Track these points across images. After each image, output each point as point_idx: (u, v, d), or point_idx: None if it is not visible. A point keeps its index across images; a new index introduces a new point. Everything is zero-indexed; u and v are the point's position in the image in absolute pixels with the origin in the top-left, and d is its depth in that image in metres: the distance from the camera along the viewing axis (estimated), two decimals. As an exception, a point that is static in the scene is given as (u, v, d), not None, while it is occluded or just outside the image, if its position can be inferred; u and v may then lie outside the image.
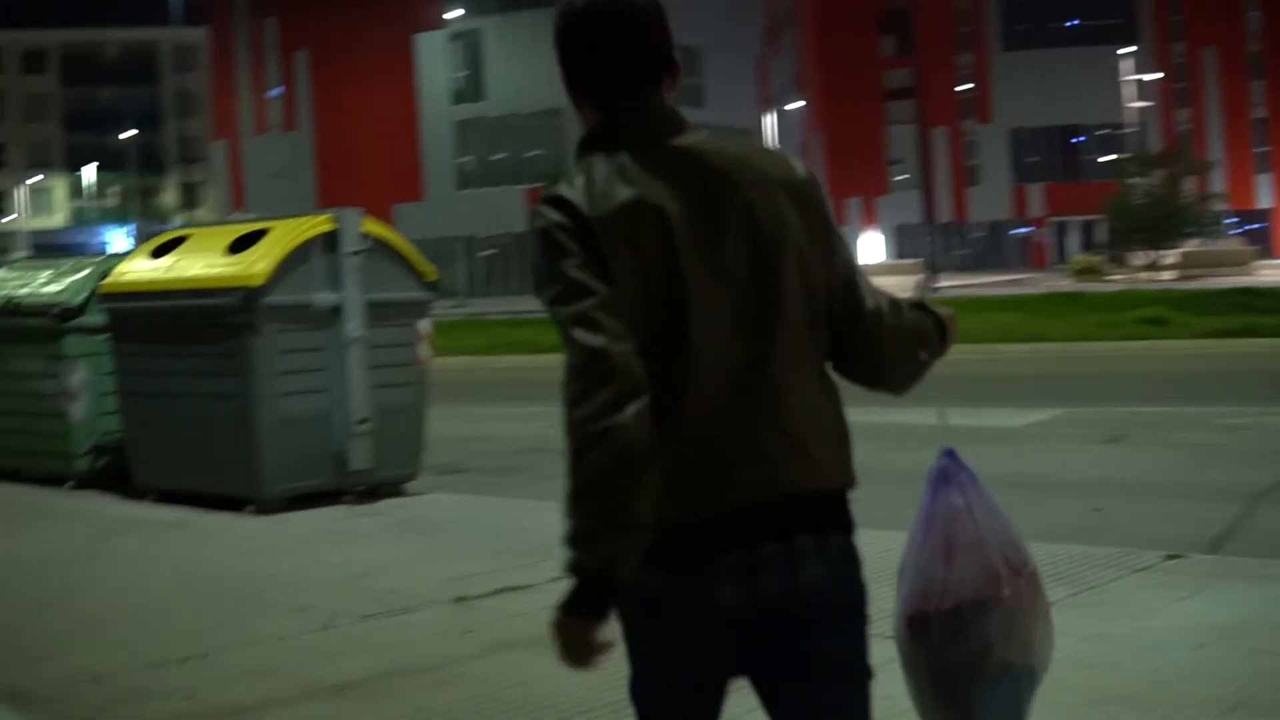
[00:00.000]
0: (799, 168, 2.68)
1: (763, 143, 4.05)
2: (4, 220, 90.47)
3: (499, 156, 68.23)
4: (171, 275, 10.45)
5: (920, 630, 2.88)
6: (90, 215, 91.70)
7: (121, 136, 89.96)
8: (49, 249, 69.92)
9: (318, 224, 10.34)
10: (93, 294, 11.06)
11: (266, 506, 9.94)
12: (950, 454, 2.92)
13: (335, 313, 10.25)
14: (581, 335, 2.40)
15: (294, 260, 10.09)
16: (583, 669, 2.45)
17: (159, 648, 6.45)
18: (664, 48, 2.67)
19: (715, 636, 2.54)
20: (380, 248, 10.63)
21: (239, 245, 10.32)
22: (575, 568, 2.41)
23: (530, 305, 49.01)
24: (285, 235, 10.24)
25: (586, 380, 2.38)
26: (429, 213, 67.30)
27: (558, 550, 2.48)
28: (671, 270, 2.49)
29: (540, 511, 9.69)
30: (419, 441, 10.86)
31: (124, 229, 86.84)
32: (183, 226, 11.86)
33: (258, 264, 9.93)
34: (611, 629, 2.44)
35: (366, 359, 10.37)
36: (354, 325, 10.30)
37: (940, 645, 2.86)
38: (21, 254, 63.08)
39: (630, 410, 2.36)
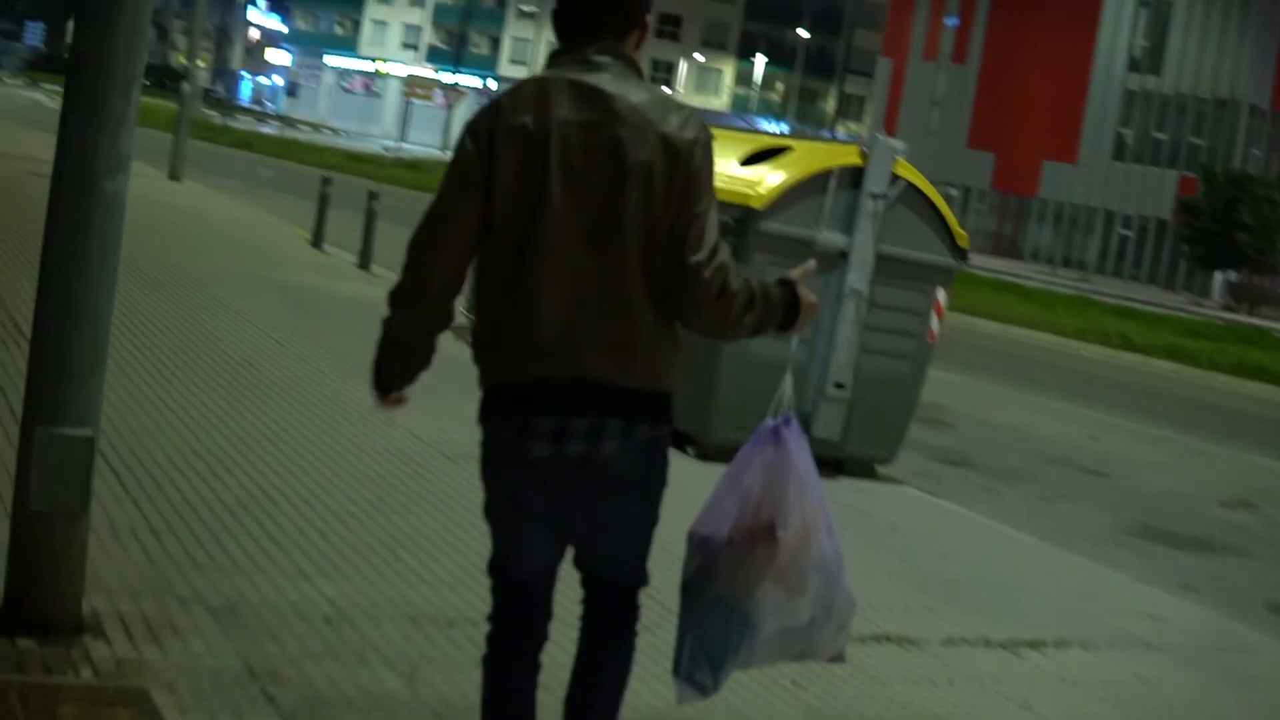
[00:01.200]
0: (689, 128, 3.32)
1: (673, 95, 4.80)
2: (666, 92, 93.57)
3: (1161, 135, 64.15)
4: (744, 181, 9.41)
5: (688, 545, 3.52)
6: (751, 105, 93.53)
7: (799, 33, 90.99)
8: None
9: (844, 154, 9.01)
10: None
11: (710, 451, 8.83)
12: (789, 420, 3.50)
13: (840, 258, 8.94)
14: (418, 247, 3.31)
15: (806, 189, 8.83)
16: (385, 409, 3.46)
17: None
18: (635, 10, 3.40)
19: (528, 480, 3.29)
20: (910, 196, 9.19)
21: (756, 159, 9.15)
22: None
23: (1151, 297, 46.23)
24: (804, 159, 8.97)
25: (401, 285, 3.33)
26: (1076, 177, 64.38)
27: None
28: (541, 180, 3.20)
29: (1008, 547, 8.17)
30: (902, 422, 9.45)
31: (780, 125, 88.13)
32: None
33: (762, 185, 8.73)
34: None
35: (863, 318, 9.02)
36: (857, 276, 8.96)
37: (686, 561, 3.51)
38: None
39: (407, 313, 3.33)
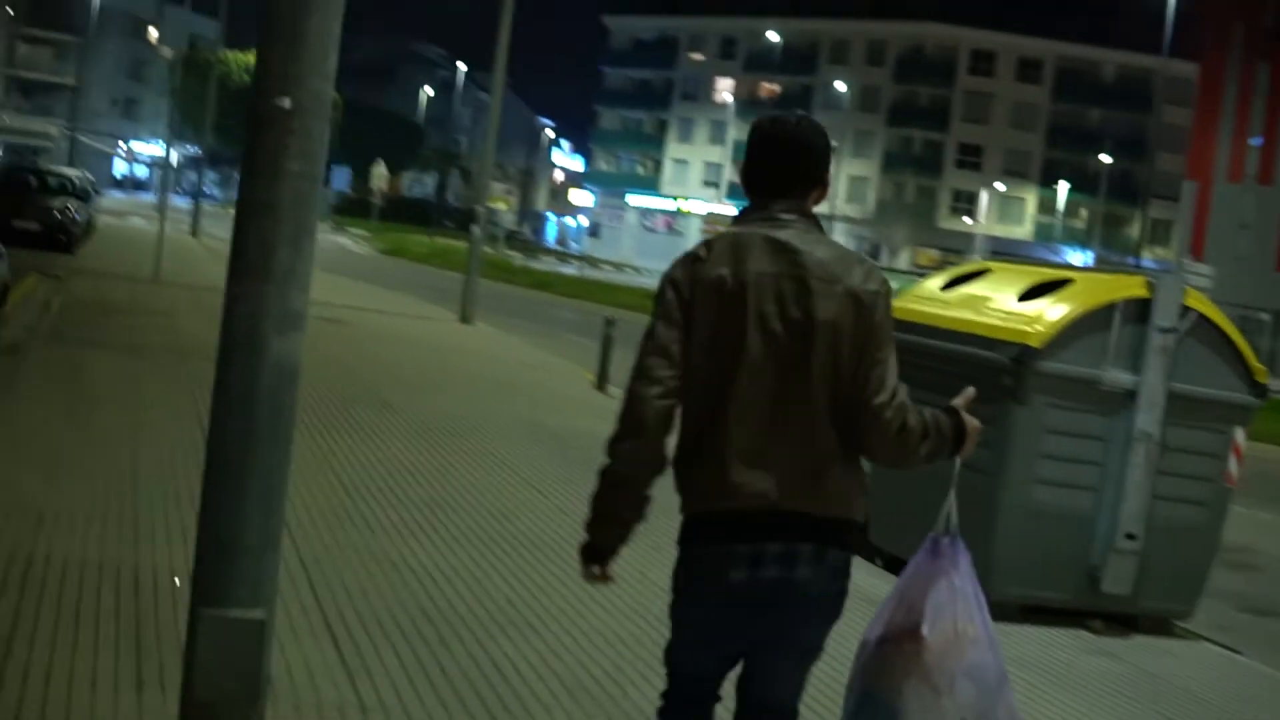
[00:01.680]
0: (871, 280, 3.58)
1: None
2: (968, 222, 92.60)
3: None
4: (951, 312, 9.00)
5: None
6: (1054, 232, 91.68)
7: (1101, 159, 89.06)
8: (1005, 258, 70.30)
9: (1129, 285, 8.47)
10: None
11: (990, 611, 8.30)
12: (953, 538, 3.84)
13: (1127, 398, 8.37)
14: (633, 382, 3.56)
15: (1089, 324, 8.31)
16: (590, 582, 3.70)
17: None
18: (817, 172, 3.68)
19: (723, 600, 3.54)
20: (1203, 328, 8.57)
21: (1034, 293, 8.69)
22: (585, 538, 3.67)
23: None
24: (1085, 292, 8.47)
25: (622, 421, 3.55)
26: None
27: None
28: (739, 328, 3.50)
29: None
30: (1200, 573, 8.75)
31: (1084, 252, 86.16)
32: (990, 259, 10.15)
33: (1042, 320, 8.26)
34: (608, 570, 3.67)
35: (1155, 462, 8.41)
36: (1147, 418, 8.36)
37: (856, 656, 3.84)
38: (977, 257, 64.16)
39: (628, 445, 3.53)
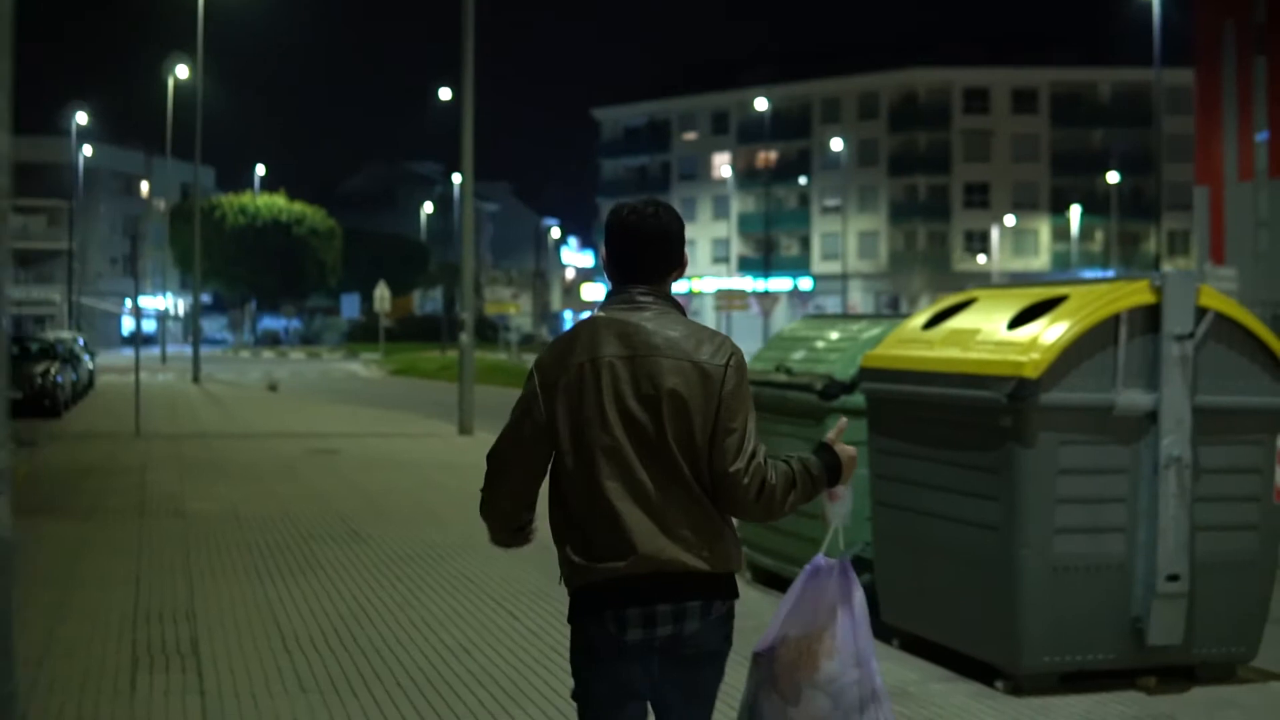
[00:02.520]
0: (719, 354, 3.77)
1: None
2: (982, 261, 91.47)
3: None
4: (935, 352, 7.92)
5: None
6: (1071, 259, 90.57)
7: (1109, 179, 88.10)
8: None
9: (1131, 293, 7.37)
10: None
11: (1024, 684, 7.19)
12: (837, 561, 4.02)
13: (1147, 420, 7.27)
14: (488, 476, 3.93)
15: (1091, 343, 7.22)
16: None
17: None
18: (675, 256, 3.89)
19: (624, 664, 3.72)
20: (1223, 328, 7.48)
21: (1025, 317, 7.61)
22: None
23: None
24: (1084, 306, 7.37)
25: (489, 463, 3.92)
26: None
27: None
28: (600, 408, 3.71)
29: None
30: (1260, 607, 7.60)
31: (1105, 274, 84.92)
32: (976, 288, 9.05)
33: (1036, 347, 7.17)
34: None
35: (1189, 489, 7.29)
36: (1173, 440, 7.25)
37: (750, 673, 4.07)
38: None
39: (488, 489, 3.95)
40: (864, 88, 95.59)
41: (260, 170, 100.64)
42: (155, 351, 59.88)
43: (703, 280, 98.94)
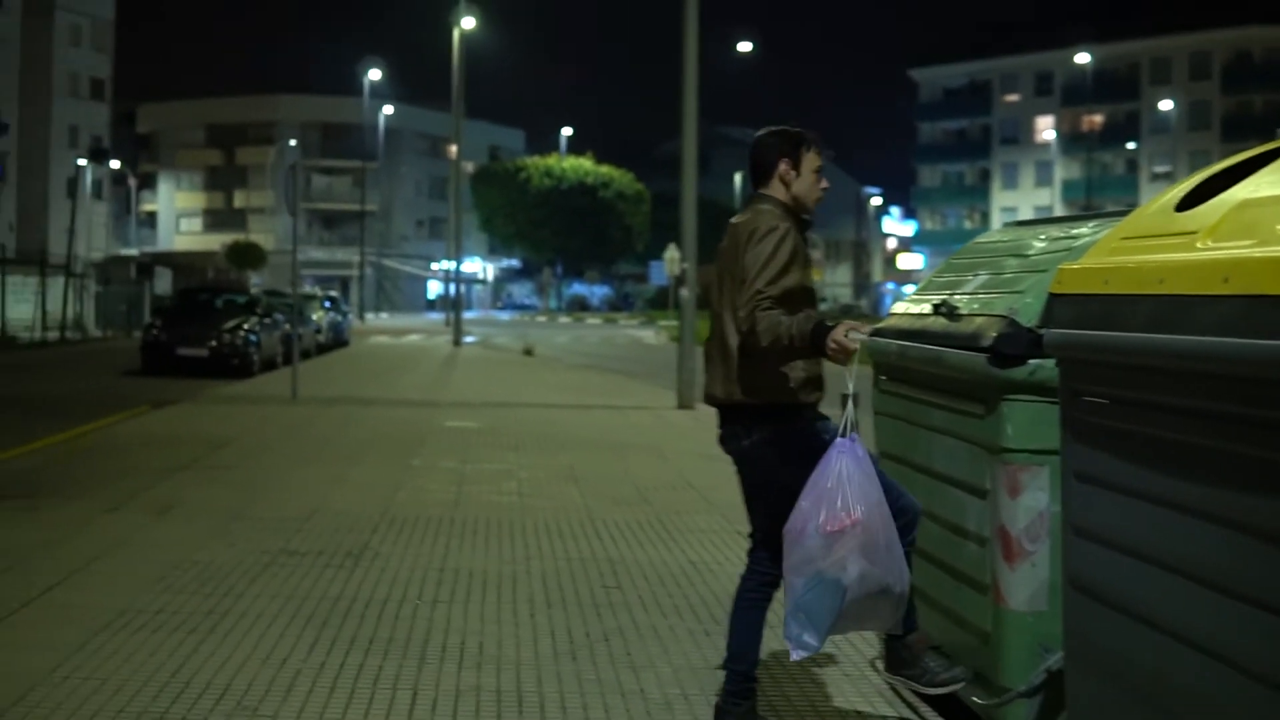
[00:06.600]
0: (748, 224, 4.93)
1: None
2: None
3: None
4: (1207, 252, 3.51)
5: (785, 542, 4.58)
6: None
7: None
8: None
9: None
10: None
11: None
12: (854, 439, 4.52)
13: None
14: None
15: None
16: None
17: None
18: (771, 164, 5.09)
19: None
20: None
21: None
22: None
23: None
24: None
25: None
26: None
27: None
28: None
29: None
30: None
31: None
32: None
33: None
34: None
35: None
36: None
37: (785, 553, 4.57)
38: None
39: None
40: (1195, 46, 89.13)
41: (567, 132, 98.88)
42: (470, 315, 57.85)
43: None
